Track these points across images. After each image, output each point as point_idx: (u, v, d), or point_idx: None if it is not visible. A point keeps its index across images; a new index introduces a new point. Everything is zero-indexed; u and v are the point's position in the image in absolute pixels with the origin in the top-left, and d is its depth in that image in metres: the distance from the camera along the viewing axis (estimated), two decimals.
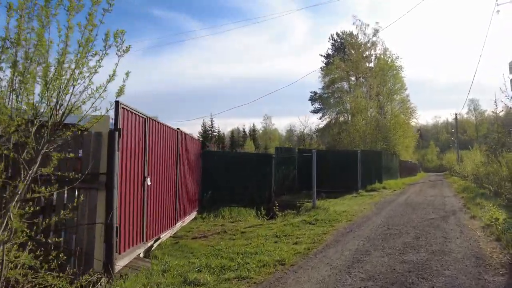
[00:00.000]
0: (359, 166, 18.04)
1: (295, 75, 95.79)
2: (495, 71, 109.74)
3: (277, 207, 10.76)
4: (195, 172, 10.28)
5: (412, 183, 25.62)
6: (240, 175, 11.92)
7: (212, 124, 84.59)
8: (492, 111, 19.04)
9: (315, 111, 42.59)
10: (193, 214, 10.16)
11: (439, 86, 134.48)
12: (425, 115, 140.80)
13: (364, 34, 31.96)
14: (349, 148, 24.36)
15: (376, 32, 31.65)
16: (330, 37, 43.03)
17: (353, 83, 36.54)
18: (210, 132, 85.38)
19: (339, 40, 41.41)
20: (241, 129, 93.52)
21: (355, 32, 33.43)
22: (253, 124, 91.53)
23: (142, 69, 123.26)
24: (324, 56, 41.88)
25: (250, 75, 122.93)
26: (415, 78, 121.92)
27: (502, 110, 19.48)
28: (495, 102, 19.13)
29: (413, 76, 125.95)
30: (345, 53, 35.07)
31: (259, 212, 11.13)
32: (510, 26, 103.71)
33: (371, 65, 34.77)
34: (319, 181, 17.73)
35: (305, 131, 45.06)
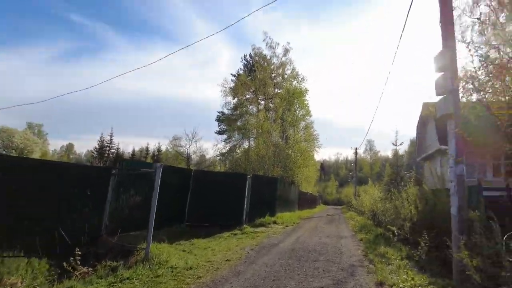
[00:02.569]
0: (247, 194, 14.41)
1: (213, 101, 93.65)
2: (389, 119, 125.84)
3: (78, 259, 6.07)
4: None
5: (309, 217, 23.25)
6: (38, 201, 6.97)
7: (111, 140, 75.20)
8: (393, 143, 17.84)
9: (220, 132, 39.02)
10: None
11: (342, 127, 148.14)
12: (328, 152, 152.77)
13: (274, 53, 30.24)
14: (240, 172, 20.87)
15: (286, 52, 30.24)
16: (243, 57, 40.94)
17: (262, 107, 34.35)
18: (107, 148, 75.49)
19: (251, 61, 39.51)
20: (150, 148, 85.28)
21: (266, 52, 31.57)
22: (159, 144, 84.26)
23: (53, 76, 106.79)
24: (235, 75, 39.26)
25: (171, 96, 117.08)
26: (321, 118, 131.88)
27: (402, 143, 18.53)
28: (396, 133, 18.05)
29: (320, 115, 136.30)
30: (255, 73, 32.84)
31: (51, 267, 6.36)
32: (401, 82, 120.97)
33: (281, 91, 33.08)
34: (193, 212, 13.58)
35: (190, 148, 39.97)
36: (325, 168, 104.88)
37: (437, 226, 7.51)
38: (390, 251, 8.00)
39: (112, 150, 76.14)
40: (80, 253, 6.22)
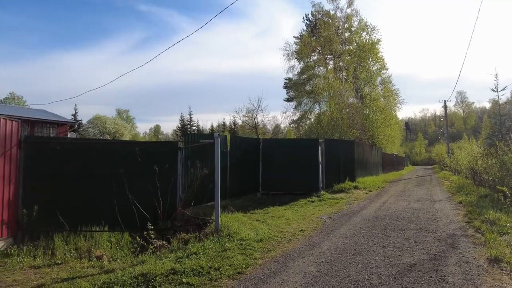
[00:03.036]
0: (321, 160, 13.56)
1: (280, 70, 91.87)
2: (481, 66, 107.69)
3: (151, 234, 6.23)
4: None
5: (396, 180, 21.33)
6: (105, 176, 7.28)
7: (190, 118, 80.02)
8: (492, 89, 14.83)
9: (289, 99, 37.92)
10: None
11: (426, 81, 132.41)
12: (413, 109, 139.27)
13: (337, 6, 27.44)
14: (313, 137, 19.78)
15: (351, 2, 27.14)
16: (305, 17, 38.33)
17: (331, 67, 32.09)
18: (188, 126, 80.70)
19: (314, 20, 36.84)
20: (227, 122, 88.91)
21: (327, 7, 28.87)
22: (233, 117, 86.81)
23: (129, 66, 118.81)
24: (298, 38, 37.15)
25: (238, 70, 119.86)
26: (401, 73, 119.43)
27: (505, 87, 15.22)
28: (496, 76, 14.88)
29: (399, 71, 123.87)
30: (319, 32, 30.48)
31: (131, 239, 6.71)
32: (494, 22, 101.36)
33: (350, 47, 30.19)
34: (267, 180, 13.33)
35: (258, 118, 38.10)
36: (410, 127, 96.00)
37: None
38: (503, 216, 6.51)
39: (193, 127, 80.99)
40: (152, 227, 6.35)
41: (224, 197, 10.98)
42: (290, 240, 5.76)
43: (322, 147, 14.11)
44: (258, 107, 34.84)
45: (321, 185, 13.35)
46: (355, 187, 14.34)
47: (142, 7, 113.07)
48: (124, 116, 72.62)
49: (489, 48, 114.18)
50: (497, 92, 15.23)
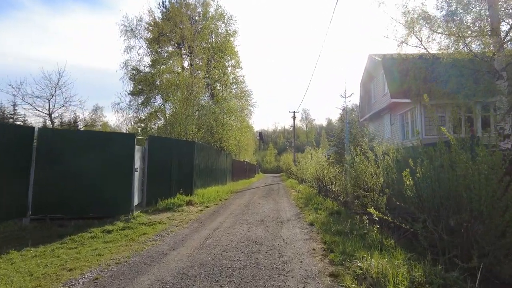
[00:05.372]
0: (141, 165, 9.44)
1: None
2: (319, 91, 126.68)
3: None
4: None
5: (243, 189, 19.05)
6: None
7: (14, 110, 62.39)
8: (341, 95, 14.27)
9: (134, 93, 32.15)
10: None
11: (278, 99, 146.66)
12: (267, 122, 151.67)
13: None
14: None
15: None
16: (161, 4, 33.80)
17: (187, 64, 28.42)
18: (11, 119, 62.67)
19: (169, 7, 32.70)
20: (67, 118, 73.56)
21: None
22: (75, 114, 72.99)
23: None
24: (151, 25, 32.12)
25: (92, 65, 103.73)
26: (257, 89, 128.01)
27: (352, 94, 14.96)
28: (345, 83, 14.16)
29: (255, 88, 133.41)
30: (171, 17, 26.60)
31: None
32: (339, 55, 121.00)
33: (207, 44, 27.40)
34: (44, 197, 8.21)
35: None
36: (263, 137, 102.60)
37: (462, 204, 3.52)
38: (384, 263, 3.85)
39: (18, 122, 63.51)
40: None
41: None
42: None
43: (145, 148, 10.01)
44: (57, 85, 22.80)
45: (137, 202, 9.19)
46: (189, 202, 10.77)
47: None
48: None
49: (327, 77, 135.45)
50: (345, 98, 14.82)
